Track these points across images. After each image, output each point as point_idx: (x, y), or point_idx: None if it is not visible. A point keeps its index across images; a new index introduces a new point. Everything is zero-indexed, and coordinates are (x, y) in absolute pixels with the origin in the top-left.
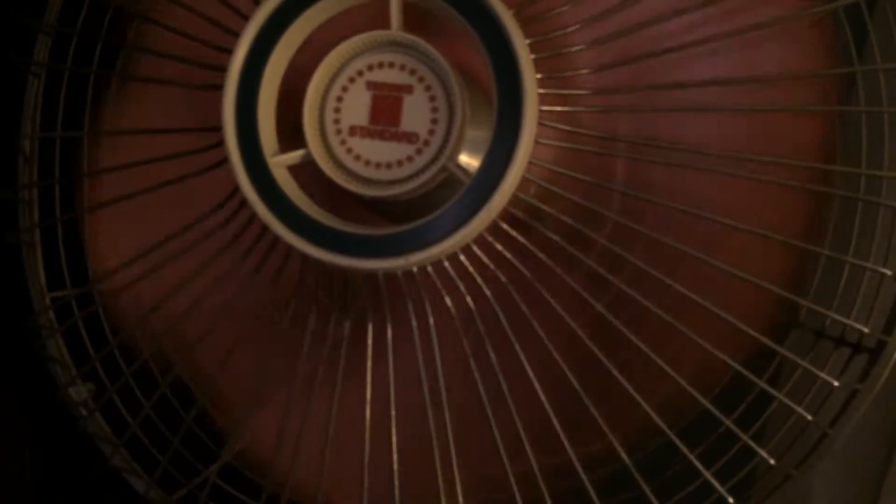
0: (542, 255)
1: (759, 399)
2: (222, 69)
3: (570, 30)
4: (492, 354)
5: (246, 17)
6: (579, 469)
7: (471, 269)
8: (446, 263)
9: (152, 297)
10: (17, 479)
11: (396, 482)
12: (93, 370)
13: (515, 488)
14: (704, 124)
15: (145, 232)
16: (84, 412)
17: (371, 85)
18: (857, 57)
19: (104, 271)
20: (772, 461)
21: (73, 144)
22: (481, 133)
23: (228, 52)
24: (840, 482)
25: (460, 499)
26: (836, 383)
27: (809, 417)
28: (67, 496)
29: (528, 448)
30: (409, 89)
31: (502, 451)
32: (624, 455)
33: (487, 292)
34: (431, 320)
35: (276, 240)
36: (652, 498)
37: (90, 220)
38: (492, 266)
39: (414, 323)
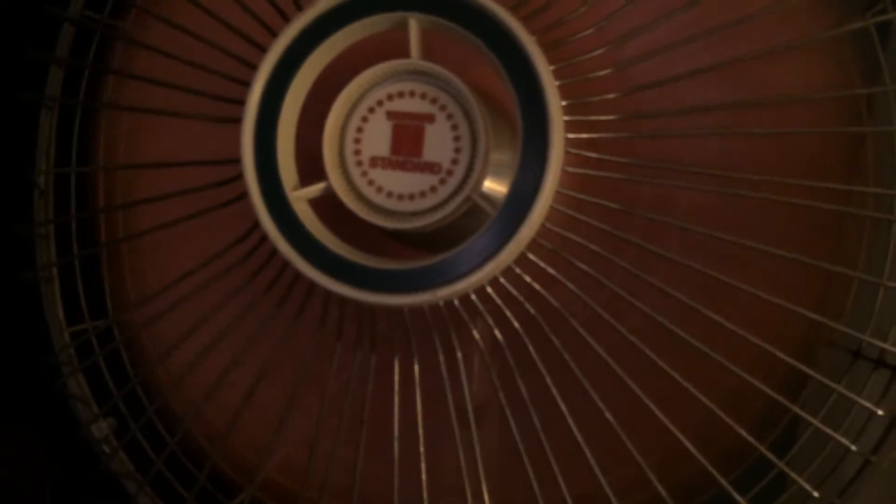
0: (571, 286)
1: (789, 427)
2: (240, 102)
3: (594, 53)
4: (521, 386)
5: (263, 49)
6: (610, 493)
7: (499, 301)
8: (474, 297)
9: (175, 331)
10: None
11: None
12: (113, 405)
13: None
14: (729, 145)
15: (170, 264)
16: (107, 449)
17: (392, 115)
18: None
19: (126, 304)
20: (815, 493)
21: (87, 176)
22: (504, 156)
23: (246, 84)
24: None
25: None
26: (880, 412)
27: (853, 448)
28: None
29: (556, 472)
30: (430, 118)
31: (531, 476)
32: (654, 479)
33: (516, 324)
34: (459, 354)
35: (298, 275)
36: None
37: (111, 254)
38: (520, 298)
39: (441, 357)
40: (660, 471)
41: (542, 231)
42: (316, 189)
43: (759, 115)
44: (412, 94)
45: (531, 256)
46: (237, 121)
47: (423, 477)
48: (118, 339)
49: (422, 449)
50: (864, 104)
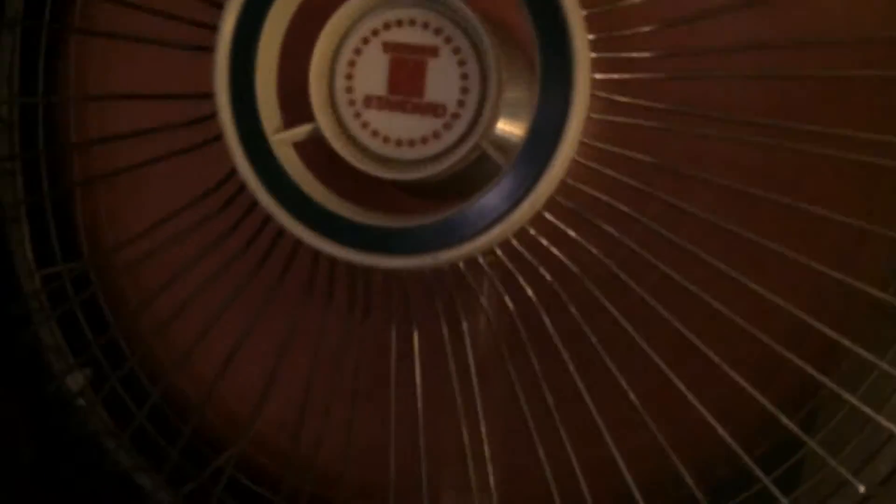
0: (594, 250)
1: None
2: (214, 27)
3: None
4: (535, 361)
5: None
6: (621, 463)
7: (510, 266)
8: (482, 261)
9: (157, 278)
10: (14, 475)
11: (424, 482)
12: (91, 357)
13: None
14: (766, 90)
15: (148, 204)
16: (83, 403)
17: (389, 47)
18: None
19: (103, 247)
20: (861, 488)
21: (56, 106)
22: (520, 94)
23: (220, 6)
24: None
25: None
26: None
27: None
28: (69, 492)
29: (565, 439)
30: (433, 52)
31: (537, 443)
32: (671, 452)
33: (530, 292)
34: (465, 324)
35: (282, 231)
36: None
37: (84, 193)
38: (535, 263)
39: (444, 327)
40: (675, 444)
41: (562, 188)
42: (301, 131)
43: (803, 59)
44: (412, 22)
45: (549, 217)
46: (210, 49)
47: (423, 455)
48: (95, 284)
49: (420, 423)
50: None
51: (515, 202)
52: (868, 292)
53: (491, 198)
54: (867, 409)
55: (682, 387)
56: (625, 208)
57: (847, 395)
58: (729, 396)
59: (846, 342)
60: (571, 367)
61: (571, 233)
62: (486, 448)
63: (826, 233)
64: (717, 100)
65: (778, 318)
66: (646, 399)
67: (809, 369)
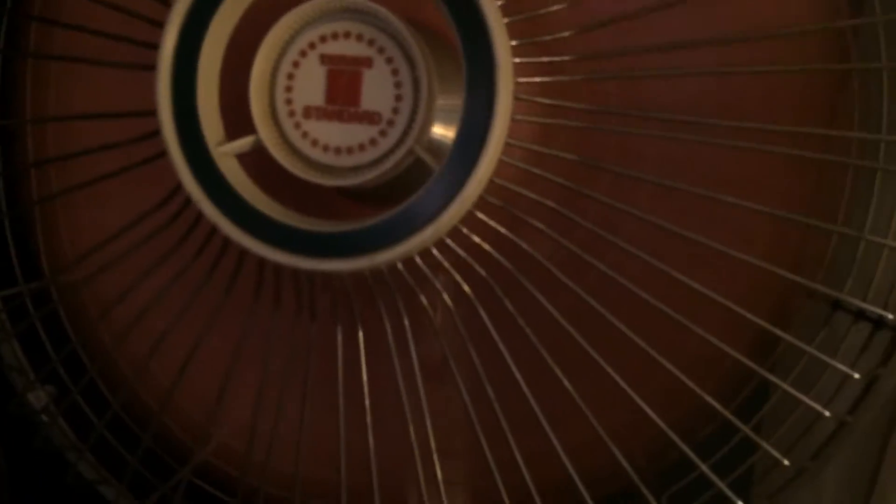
0: (524, 245)
1: (763, 385)
2: (154, 46)
3: None
4: (472, 350)
5: None
6: (562, 454)
7: (446, 265)
8: (419, 261)
9: (115, 292)
10: None
11: (376, 482)
12: (52, 372)
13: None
14: (700, 88)
15: (106, 222)
16: (45, 418)
17: (325, 59)
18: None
19: (63, 265)
20: (785, 461)
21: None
22: (455, 101)
23: (161, 26)
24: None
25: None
26: (856, 375)
27: (826, 413)
28: None
29: (508, 435)
30: (368, 63)
31: (483, 442)
32: (609, 441)
33: (466, 288)
34: (406, 321)
35: (228, 241)
36: (644, 490)
37: (43, 211)
38: (469, 260)
39: (387, 324)
40: (629, 430)
41: (493, 188)
42: (244, 143)
43: (735, 55)
44: (347, 35)
45: (480, 215)
46: (152, 68)
47: (372, 453)
48: (56, 300)
49: (369, 420)
50: (851, 37)
51: (446, 202)
52: (800, 282)
53: (423, 199)
54: (797, 393)
55: (618, 379)
56: (553, 205)
57: (776, 380)
58: (676, 382)
59: (776, 331)
60: (510, 362)
61: (502, 229)
62: (432, 443)
63: (757, 223)
64: (661, 100)
65: (719, 306)
66: (594, 388)
67: (743, 359)
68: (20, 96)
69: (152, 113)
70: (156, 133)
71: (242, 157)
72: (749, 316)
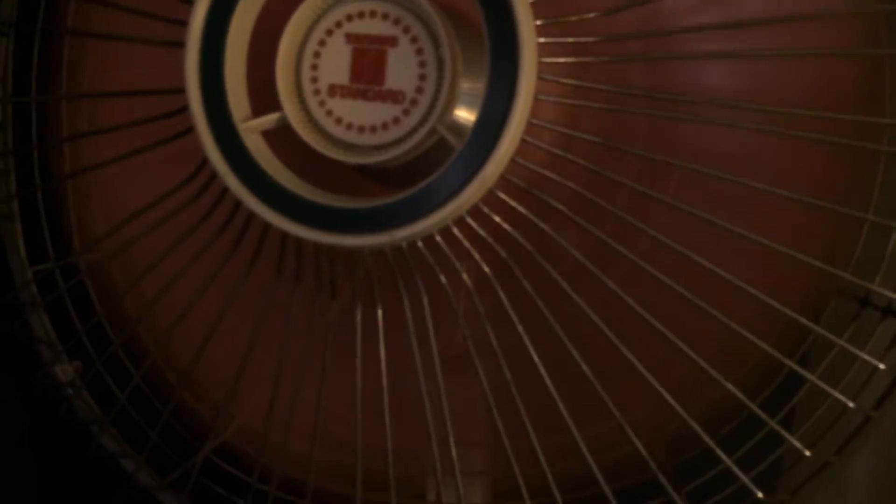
0: (545, 227)
1: (789, 382)
2: (185, 23)
3: None
4: (492, 337)
5: None
6: (584, 448)
7: (466, 244)
8: (439, 238)
9: (138, 268)
10: (15, 457)
11: (391, 464)
12: (79, 346)
13: (516, 467)
14: (731, 73)
15: (138, 196)
16: (70, 391)
17: (351, 38)
18: None
19: (91, 240)
20: (807, 452)
21: (48, 106)
22: (479, 85)
23: (191, 2)
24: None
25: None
26: (881, 366)
27: (851, 404)
28: (67, 478)
29: (528, 427)
30: (393, 42)
31: (501, 431)
32: (632, 435)
33: (486, 269)
34: (425, 300)
35: (252, 216)
36: (666, 484)
37: (74, 188)
38: (490, 239)
39: (406, 305)
40: (652, 422)
41: (515, 167)
42: (269, 120)
43: (763, 39)
44: (373, 14)
45: (501, 195)
46: (181, 45)
47: (388, 433)
48: (83, 273)
49: (386, 400)
50: (884, 24)
51: (466, 180)
52: (830, 271)
53: (445, 177)
54: (824, 385)
55: (644, 372)
56: (575, 187)
57: (805, 373)
58: (701, 374)
59: (805, 321)
60: (531, 350)
61: (522, 209)
62: (449, 429)
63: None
64: (693, 85)
65: (746, 302)
66: (617, 380)
67: (774, 352)
68: (56, 79)
69: (181, 90)
70: (184, 109)
71: (269, 136)
72: (782, 308)
